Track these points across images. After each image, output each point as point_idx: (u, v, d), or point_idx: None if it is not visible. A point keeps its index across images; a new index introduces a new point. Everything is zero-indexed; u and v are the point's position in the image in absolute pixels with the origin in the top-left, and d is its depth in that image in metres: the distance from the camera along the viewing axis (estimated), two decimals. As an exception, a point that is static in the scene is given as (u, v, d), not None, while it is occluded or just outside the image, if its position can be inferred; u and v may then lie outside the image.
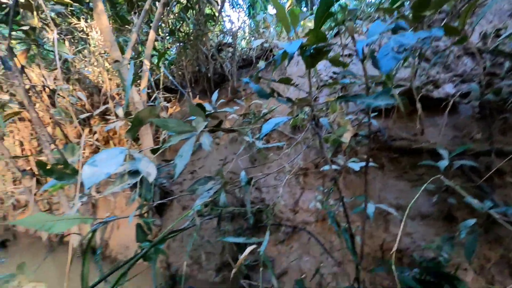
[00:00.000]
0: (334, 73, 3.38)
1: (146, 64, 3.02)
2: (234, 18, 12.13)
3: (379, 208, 2.22)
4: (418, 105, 2.09)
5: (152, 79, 3.59)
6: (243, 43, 5.39)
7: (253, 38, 4.65)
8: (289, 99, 1.37)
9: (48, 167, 1.52)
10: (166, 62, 4.77)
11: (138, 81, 3.38)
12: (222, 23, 5.30)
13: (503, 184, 1.83)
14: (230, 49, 4.31)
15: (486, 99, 2.01)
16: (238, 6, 7.40)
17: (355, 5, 3.86)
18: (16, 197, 4.47)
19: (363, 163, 1.95)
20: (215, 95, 3.00)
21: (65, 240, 3.94)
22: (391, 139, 2.32)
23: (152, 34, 3.21)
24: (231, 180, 2.94)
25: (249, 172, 2.88)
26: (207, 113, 1.93)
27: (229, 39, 4.50)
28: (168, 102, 4.51)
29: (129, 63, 2.86)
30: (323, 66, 3.42)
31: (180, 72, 4.81)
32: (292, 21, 1.24)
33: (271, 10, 6.61)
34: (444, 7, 2.91)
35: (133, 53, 4.25)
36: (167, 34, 4.07)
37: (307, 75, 1.30)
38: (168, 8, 4.12)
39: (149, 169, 1.93)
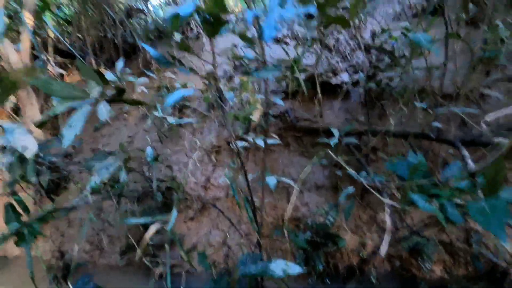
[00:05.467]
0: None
1: (27, 17, 2.46)
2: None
3: (283, 183, 2.43)
4: (318, 90, 2.32)
5: (37, 39, 2.97)
6: (161, 12, 4.95)
7: (169, 6, 4.31)
8: (191, 69, 1.32)
9: None
10: (59, 19, 4.00)
11: (19, 38, 2.75)
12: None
13: (376, 159, 2.23)
14: (143, 16, 3.90)
15: (370, 88, 2.38)
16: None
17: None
18: None
19: (270, 140, 2.08)
20: (120, 63, 2.69)
21: None
22: (296, 119, 2.53)
23: (37, -19, 2.62)
24: (139, 158, 2.74)
25: (160, 150, 2.74)
26: (108, 80, 1.72)
27: (142, 5, 4.06)
28: (64, 69, 3.83)
29: None
30: (242, 44, 3.44)
31: (80, 35, 4.12)
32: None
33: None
34: (346, 4, 3.26)
35: (11, 1, 3.42)
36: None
37: (211, 46, 1.27)
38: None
39: (26, 142, 1.63)
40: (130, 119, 3.29)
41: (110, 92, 2.02)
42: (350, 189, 1.87)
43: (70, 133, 1.41)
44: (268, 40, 0.69)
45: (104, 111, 1.53)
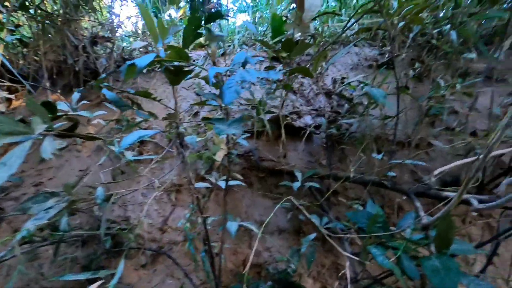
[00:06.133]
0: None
1: (-27, 39, 2.25)
2: (120, 11, 10.93)
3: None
4: (283, 131, 2.37)
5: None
6: (131, 39, 4.86)
7: (138, 39, 4.28)
8: (151, 113, 1.27)
9: None
10: (14, 40, 3.73)
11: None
12: (107, 13, 4.64)
13: (337, 203, 2.26)
14: (109, 44, 3.80)
15: (330, 132, 2.48)
16: None
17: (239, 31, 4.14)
18: None
19: (232, 182, 2.03)
20: (76, 94, 2.52)
21: None
22: (260, 159, 2.52)
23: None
24: (89, 195, 2.50)
25: (114, 187, 2.53)
26: (59, 113, 1.58)
27: (108, 33, 3.96)
28: (12, 93, 3.51)
29: None
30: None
31: (37, 58, 3.86)
32: (161, 32, 1.16)
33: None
34: (310, 51, 3.50)
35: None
36: (16, 6, 3.19)
37: (172, 92, 1.23)
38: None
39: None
40: (83, 150, 3.04)
41: (62, 124, 1.85)
42: (311, 236, 1.86)
43: (4, 173, 1.23)
44: (228, 104, 0.67)
45: (48, 148, 1.38)
